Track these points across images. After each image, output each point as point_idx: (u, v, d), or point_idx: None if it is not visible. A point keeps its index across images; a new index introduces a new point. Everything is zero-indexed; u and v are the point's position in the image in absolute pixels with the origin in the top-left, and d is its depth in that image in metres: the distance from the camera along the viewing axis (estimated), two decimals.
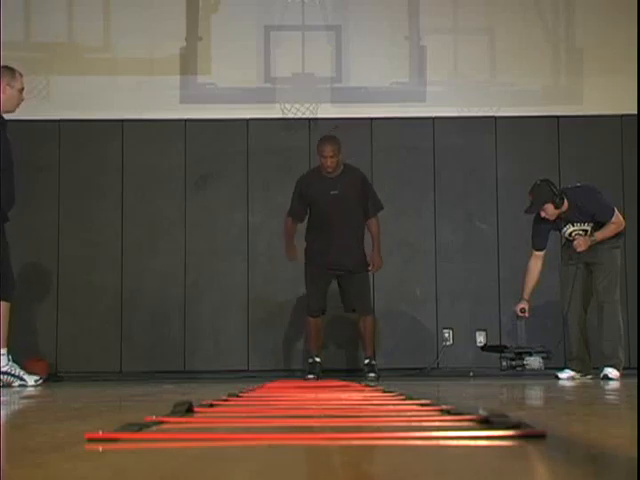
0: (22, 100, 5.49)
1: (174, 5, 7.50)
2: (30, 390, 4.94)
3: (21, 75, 5.52)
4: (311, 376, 6.30)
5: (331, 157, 6.25)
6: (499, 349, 6.68)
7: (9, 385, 5.31)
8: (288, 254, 6.45)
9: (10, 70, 5.49)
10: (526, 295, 6.15)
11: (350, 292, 6.40)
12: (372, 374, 6.28)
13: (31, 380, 5.40)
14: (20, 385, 5.32)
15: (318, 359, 6.47)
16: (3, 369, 5.39)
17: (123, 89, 7.36)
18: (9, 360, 5.41)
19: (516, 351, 6.51)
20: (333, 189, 6.34)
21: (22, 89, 5.47)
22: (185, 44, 7.47)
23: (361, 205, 6.40)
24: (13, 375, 5.38)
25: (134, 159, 7.30)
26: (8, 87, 5.41)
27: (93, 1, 7.47)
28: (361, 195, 6.41)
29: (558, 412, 2.67)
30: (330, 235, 6.35)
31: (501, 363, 6.51)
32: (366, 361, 6.45)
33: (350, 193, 6.36)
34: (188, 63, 7.48)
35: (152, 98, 7.35)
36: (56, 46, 7.41)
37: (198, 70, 7.49)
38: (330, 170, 6.31)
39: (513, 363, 6.46)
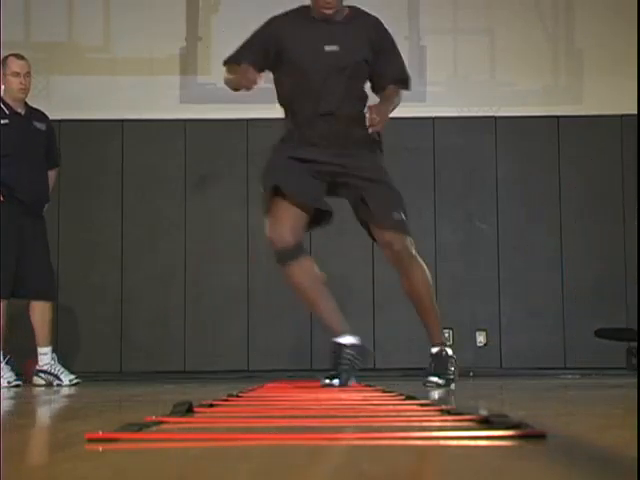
0: (23, 84, 5.34)
1: (174, 5, 7.49)
2: (30, 390, 4.94)
3: (19, 57, 5.38)
4: (327, 381, 3.76)
5: None
6: (622, 335, 4.64)
7: (50, 384, 5.35)
8: (242, 80, 3.87)
9: (4, 58, 5.43)
10: None
11: (369, 203, 3.96)
12: (436, 378, 3.95)
13: (66, 379, 5.42)
14: (57, 385, 5.35)
15: (345, 339, 3.85)
16: (44, 367, 5.43)
17: (123, 89, 7.36)
18: (53, 359, 5.44)
19: None
20: (330, 42, 3.93)
21: (16, 72, 5.33)
22: (185, 44, 7.46)
23: (370, 72, 4.04)
24: (51, 374, 5.41)
25: (134, 159, 7.30)
26: (4, 76, 5.36)
27: (93, 1, 7.47)
28: (375, 55, 4.00)
29: (558, 412, 2.67)
30: (314, 121, 3.94)
31: (631, 358, 4.47)
32: (434, 350, 4.04)
33: (359, 50, 3.97)
34: (188, 63, 7.48)
35: (152, 98, 7.35)
36: (56, 46, 7.41)
37: (198, 70, 7.49)
38: (328, 11, 3.87)
39: None
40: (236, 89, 4.10)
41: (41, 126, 5.47)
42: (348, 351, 3.84)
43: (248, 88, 3.87)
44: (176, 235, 7.25)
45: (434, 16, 7.49)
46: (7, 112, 5.34)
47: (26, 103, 5.48)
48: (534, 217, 7.24)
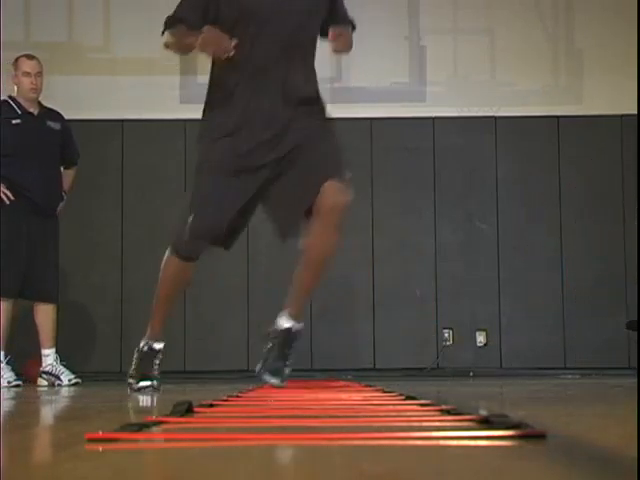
0: (34, 84, 5.41)
1: (174, 6, 7.47)
2: (30, 390, 4.94)
3: (30, 58, 5.47)
4: (145, 383, 4.11)
5: None
6: None
7: (52, 385, 5.37)
8: (216, 50, 3.67)
9: (16, 59, 5.51)
10: None
11: (311, 161, 3.68)
12: (287, 368, 3.63)
13: (66, 379, 5.44)
14: (57, 385, 5.38)
15: (160, 346, 4.17)
16: (47, 369, 5.45)
17: (123, 89, 7.36)
18: (55, 360, 5.46)
19: None
20: None
21: (27, 72, 5.42)
22: None
23: (319, 25, 3.87)
24: (53, 374, 5.43)
25: (134, 159, 7.30)
26: (15, 77, 5.43)
27: (93, 1, 7.46)
28: (327, 5, 3.83)
29: (558, 412, 2.67)
30: (266, 86, 3.72)
31: None
32: (286, 325, 3.74)
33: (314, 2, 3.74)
34: (188, 63, 7.47)
35: (152, 98, 7.35)
36: (56, 46, 7.41)
37: (198, 70, 7.48)
38: None
39: None
40: (185, 52, 3.94)
41: (55, 125, 5.49)
42: (158, 359, 4.31)
43: (222, 57, 3.61)
44: None
45: (434, 16, 7.49)
46: (19, 112, 5.39)
47: (40, 103, 5.51)
48: (534, 217, 7.24)
